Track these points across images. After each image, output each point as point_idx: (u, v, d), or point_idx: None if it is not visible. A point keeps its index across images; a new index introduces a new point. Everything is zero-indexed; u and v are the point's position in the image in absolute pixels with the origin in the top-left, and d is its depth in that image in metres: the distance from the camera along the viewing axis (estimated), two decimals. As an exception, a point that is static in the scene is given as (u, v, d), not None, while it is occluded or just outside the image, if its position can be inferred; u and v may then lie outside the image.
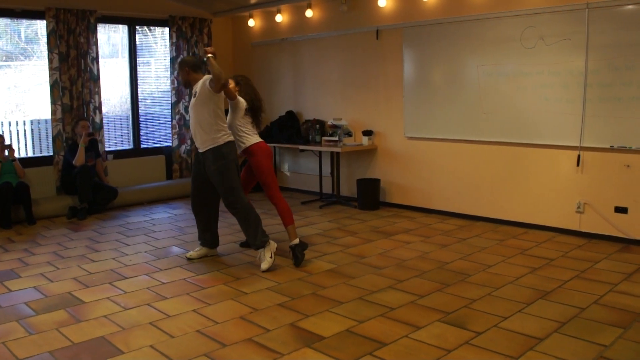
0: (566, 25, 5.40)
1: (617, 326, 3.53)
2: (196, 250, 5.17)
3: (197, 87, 4.75)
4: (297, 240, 4.94)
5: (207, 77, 4.70)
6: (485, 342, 3.35)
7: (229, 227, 6.28)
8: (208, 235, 5.14)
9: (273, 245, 4.81)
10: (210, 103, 4.69)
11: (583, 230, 5.59)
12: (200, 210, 5.08)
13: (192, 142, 8.37)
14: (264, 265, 4.71)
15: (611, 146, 5.28)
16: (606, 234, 5.44)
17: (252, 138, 5.07)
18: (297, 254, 4.87)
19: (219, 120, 4.75)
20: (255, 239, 4.77)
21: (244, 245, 5.47)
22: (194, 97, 4.77)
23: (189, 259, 5.09)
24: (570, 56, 5.41)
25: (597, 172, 5.44)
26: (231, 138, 4.84)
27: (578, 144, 5.47)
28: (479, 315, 3.75)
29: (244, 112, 5.03)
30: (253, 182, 5.35)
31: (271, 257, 4.74)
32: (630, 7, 5.02)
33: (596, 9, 5.20)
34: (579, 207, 5.58)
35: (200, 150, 4.83)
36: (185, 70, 4.84)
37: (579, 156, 5.51)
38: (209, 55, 4.58)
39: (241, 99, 5.01)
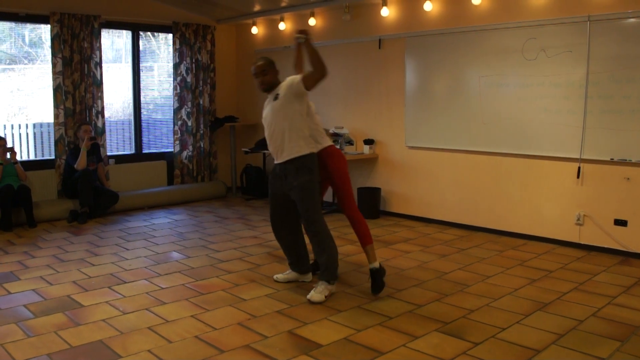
0: (568, 37, 5.43)
1: (615, 339, 3.53)
2: (285, 273, 4.67)
3: (281, 89, 4.20)
4: (377, 264, 4.36)
5: (293, 77, 4.19)
6: (482, 353, 3.35)
7: (228, 233, 6.30)
8: (295, 260, 4.57)
9: (334, 287, 4.32)
10: (299, 104, 4.16)
11: (582, 243, 5.59)
12: (282, 233, 4.50)
13: (195, 148, 8.46)
14: (316, 297, 4.16)
15: (611, 158, 5.29)
16: (605, 246, 5.45)
17: (328, 138, 4.50)
18: (378, 281, 4.32)
19: (305, 126, 4.20)
20: (327, 270, 4.22)
21: (315, 267, 4.67)
22: (276, 100, 4.20)
23: (275, 281, 4.63)
24: (571, 68, 5.43)
25: (597, 185, 5.45)
26: (314, 149, 4.26)
27: (578, 156, 5.49)
28: (477, 326, 3.75)
29: (314, 108, 4.45)
30: (323, 193, 4.63)
31: (326, 298, 4.20)
32: (631, 20, 5.05)
33: (598, 22, 5.22)
34: (578, 219, 5.58)
35: (278, 161, 4.26)
36: (274, 71, 4.29)
37: (579, 168, 5.52)
38: (303, 37, 4.08)
39: None
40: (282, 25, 8.08)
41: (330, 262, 4.24)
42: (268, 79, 4.26)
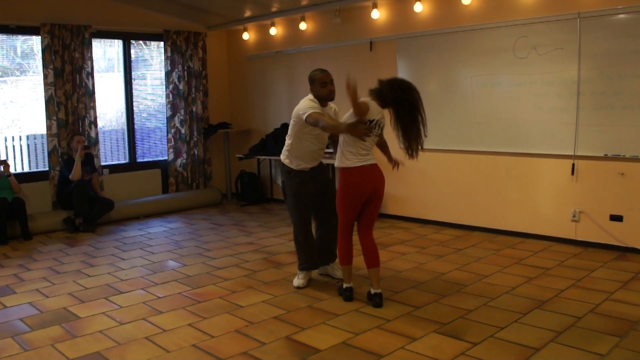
0: (558, 34, 5.44)
1: (613, 335, 3.53)
2: (302, 278, 4.65)
3: (331, 110, 4.79)
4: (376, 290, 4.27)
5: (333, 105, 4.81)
6: (481, 353, 3.34)
7: (224, 240, 6.28)
8: (315, 258, 4.74)
9: None
10: None
11: (579, 239, 5.59)
12: (311, 235, 4.71)
13: (189, 155, 8.44)
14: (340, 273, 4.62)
15: (605, 154, 5.30)
16: (602, 242, 5.45)
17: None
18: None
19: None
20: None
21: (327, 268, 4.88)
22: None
23: (300, 288, 4.60)
24: (563, 65, 5.44)
25: (591, 181, 5.46)
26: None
27: (572, 153, 5.49)
28: (475, 326, 3.74)
29: None
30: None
31: None
32: (621, 16, 5.06)
33: (588, 19, 5.23)
34: (574, 216, 5.58)
35: (313, 166, 4.74)
36: None
37: (573, 165, 5.52)
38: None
39: None
40: (273, 30, 8.08)
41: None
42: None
